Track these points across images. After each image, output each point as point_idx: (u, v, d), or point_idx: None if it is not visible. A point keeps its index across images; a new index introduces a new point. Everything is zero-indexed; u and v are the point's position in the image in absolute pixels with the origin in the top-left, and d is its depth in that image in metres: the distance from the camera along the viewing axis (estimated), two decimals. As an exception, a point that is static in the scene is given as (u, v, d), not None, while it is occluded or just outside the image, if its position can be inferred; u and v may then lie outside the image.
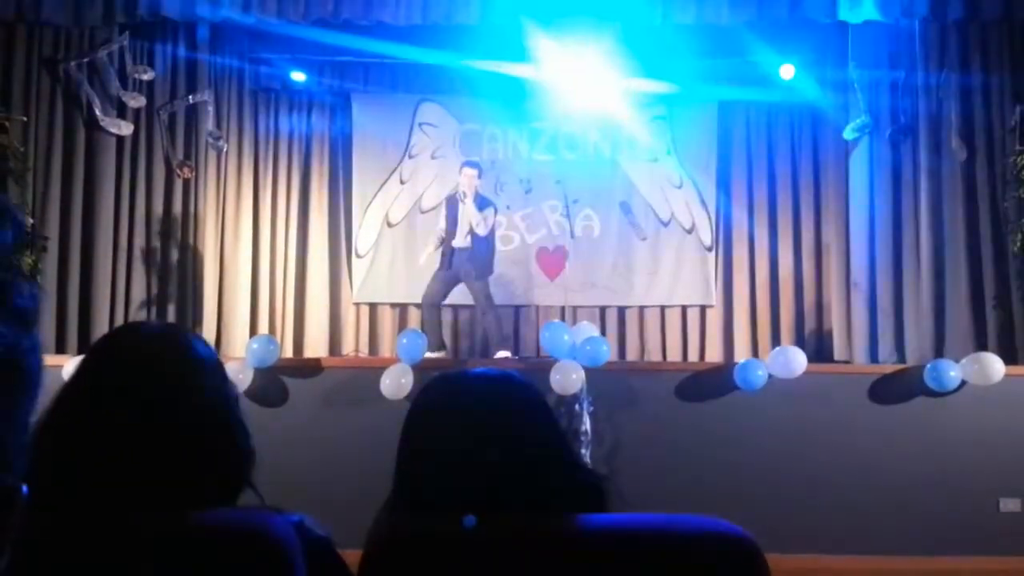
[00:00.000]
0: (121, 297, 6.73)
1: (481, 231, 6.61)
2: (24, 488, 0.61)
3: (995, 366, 5.29)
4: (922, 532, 5.18)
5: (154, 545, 1.11)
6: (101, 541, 1.09)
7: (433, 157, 8.12)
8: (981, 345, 6.13)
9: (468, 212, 6.55)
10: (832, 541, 5.20)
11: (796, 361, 5.43)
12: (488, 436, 1.29)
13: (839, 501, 5.24)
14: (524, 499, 1.25)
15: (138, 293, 6.84)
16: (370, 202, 8.09)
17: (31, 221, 6.21)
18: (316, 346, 7.81)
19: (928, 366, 5.46)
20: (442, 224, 6.74)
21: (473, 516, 1.24)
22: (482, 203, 6.68)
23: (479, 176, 6.75)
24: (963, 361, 5.44)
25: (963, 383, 5.33)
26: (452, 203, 6.74)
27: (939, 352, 6.28)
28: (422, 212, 7.98)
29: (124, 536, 1.10)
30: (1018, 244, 6.08)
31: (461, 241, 6.61)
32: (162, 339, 1.27)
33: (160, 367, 1.20)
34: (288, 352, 7.48)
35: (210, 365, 1.26)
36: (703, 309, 8.04)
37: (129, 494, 1.12)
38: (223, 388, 1.26)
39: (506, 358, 6.46)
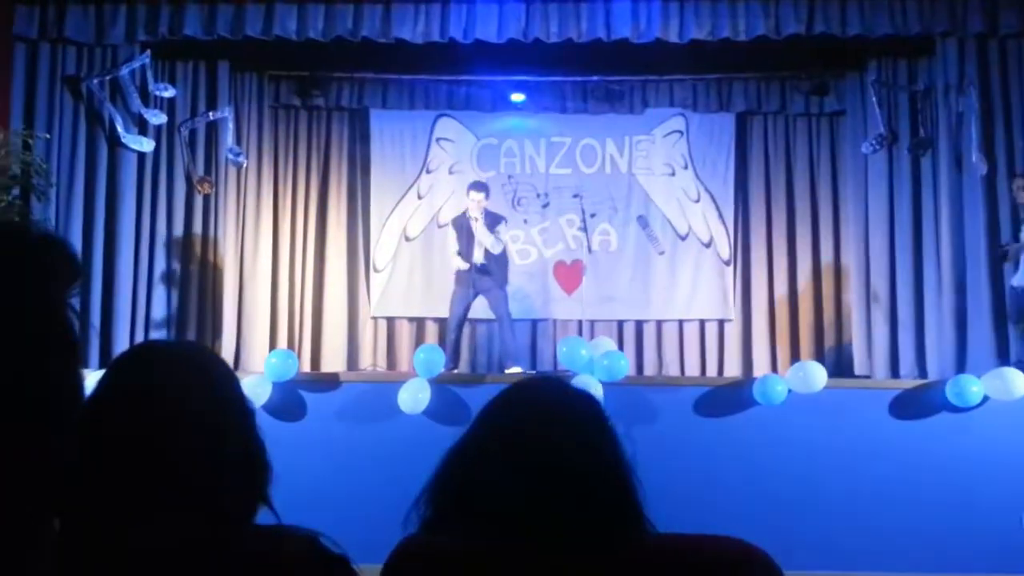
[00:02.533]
0: (142, 311, 6.79)
1: (496, 251, 6.66)
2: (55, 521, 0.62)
3: (1018, 382, 5.24)
4: (944, 549, 5.13)
5: (171, 564, 1.11)
6: (118, 561, 1.10)
7: (451, 172, 8.15)
8: (1004, 360, 6.07)
9: (480, 235, 6.58)
10: (852, 558, 5.16)
11: (816, 376, 5.41)
12: (563, 459, 1.28)
13: (859, 518, 5.20)
14: (574, 527, 1.25)
15: (158, 307, 6.89)
16: (388, 217, 8.13)
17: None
18: (334, 360, 7.84)
19: (950, 381, 5.42)
20: (455, 248, 6.76)
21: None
22: (492, 221, 6.70)
23: (487, 197, 6.77)
24: (985, 376, 5.39)
25: (985, 399, 5.29)
26: (460, 224, 6.76)
27: (961, 367, 6.23)
28: (440, 227, 8.00)
29: (141, 555, 1.11)
30: (1040, 258, 6.03)
31: (477, 258, 6.64)
32: (177, 356, 1.28)
33: (175, 384, 1.21)
34: (306, 366, 7.50)
35: (225, 381, 1.27)
36: (721, 323, 8.01)
37: (146, 513, 1.13)
38: (238, 404, 1.27)
39: (519, 373, 6.46)
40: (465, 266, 6.66)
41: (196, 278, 7.13)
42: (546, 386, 1.42)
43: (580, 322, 7.36)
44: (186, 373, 1.22)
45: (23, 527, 0.59)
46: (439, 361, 5.69)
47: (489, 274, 6.66)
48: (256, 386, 5.31)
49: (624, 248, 8.07)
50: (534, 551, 1.23)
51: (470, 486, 1.29)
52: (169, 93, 6.91)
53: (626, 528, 1.28)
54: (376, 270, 8.10)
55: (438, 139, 8.20)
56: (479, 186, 6.85)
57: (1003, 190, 6.42)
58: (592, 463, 1.30)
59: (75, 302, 0.69)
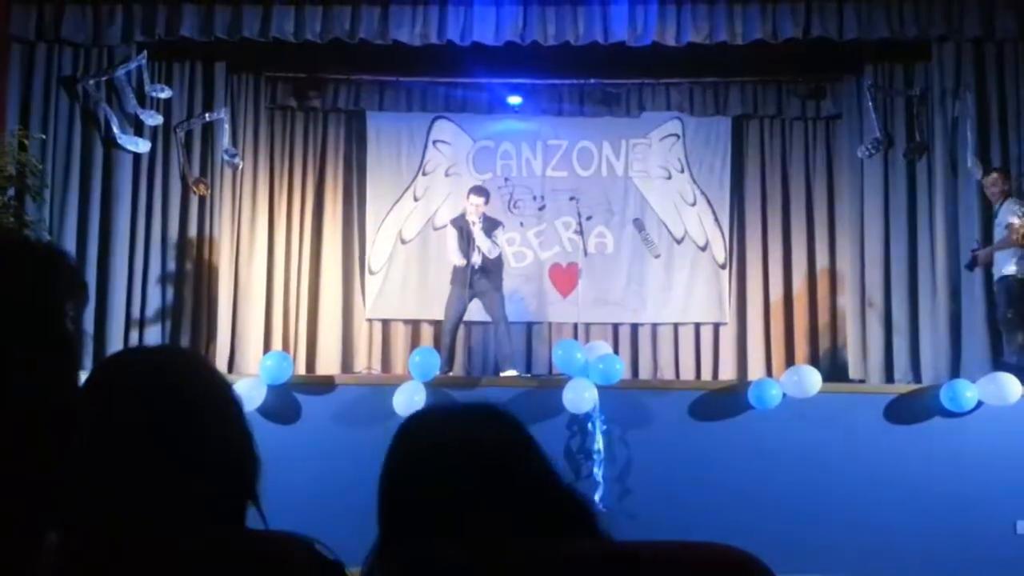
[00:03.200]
0: (136, 313, 6.78)
1: (493, 255, 6.64)
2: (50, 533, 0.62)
3: (1012, 387, 5.25)
4: (937, 554, 5.13)
5: (161, 569, 1.11)
6: (111, 563, 1.10)
7: (447, 174, 8.15)
8: (998, 365, 6.08)
9: (478, 240, 6.57)
10: (846, 563, 5.15)
11: (810, 381, 5.41)
12: (470, 468, 1.28)
13: (853, 522, 5.20)
14: (511, 526, 1.24)
15: (153, 309, 6.88)
16: (384, 219, 8.12)
17: (48, 237, 6.26)
18: (329, 362, 7.82)
19: (944, 386, 5.43)
20: (454, 246, 6.73)
21: None
22: (490, 226, 6.68)
23: (486, 202, 6.75)
24: (980, 381, 5.40)
25: (980, 404, 5.29)
26: (459, 224, 6.73)
27: (955, 372, 6.24)
28: (435, 229, 7.99)
29: (130, 560, 1.10)
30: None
31: (477, 260, 6.61)
32: (161, 360, 1.28)
33: (159, 388, 1.21)
34: (301, 369, 7.48)
35: (211, 384, 1.26)
36: (716, 327, 8.01)
37: (133, 517, 1.13)
38: (220, 401, 1.26)
39: (515, 376, 6.44)
40: (463, 263, 6.64)
41: (191, 280, 7.11)
42: (439, 413, 1.38)
43: (576, 325, 7.36)
44: (168, 376, 1.22)
45: (18, 536, 0.59)
46: (434, 364, 5.68)
47: (486, 277, 6.64)
48: (251, 388, 5.30)
49: (620, 251, 8.08)
50: (491, 558, 1.23)
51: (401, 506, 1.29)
52: (165, 94, 6.90)
53: (573, 532, 1.28)
54: (371, 272, 8.09)
55: (434, 141, 8.20)
56: (480, 191, 6.82)
57: (998, 195, 6.43)
58: (497, 470, 1.29)
59: (83, 331, 0.69)
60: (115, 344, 6.47)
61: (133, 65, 6.73)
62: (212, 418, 1.21)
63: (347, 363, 7.90)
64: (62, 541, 0.59)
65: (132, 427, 1.16)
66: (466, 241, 6.65)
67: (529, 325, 7.96)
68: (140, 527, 1.11)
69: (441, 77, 7.79)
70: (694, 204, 8.11)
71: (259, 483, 1.24)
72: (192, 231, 7.14)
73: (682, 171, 8.13)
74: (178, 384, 1.22)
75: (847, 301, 7.46)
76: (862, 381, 6.98)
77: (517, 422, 1.37)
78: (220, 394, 1.25)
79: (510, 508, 1.24)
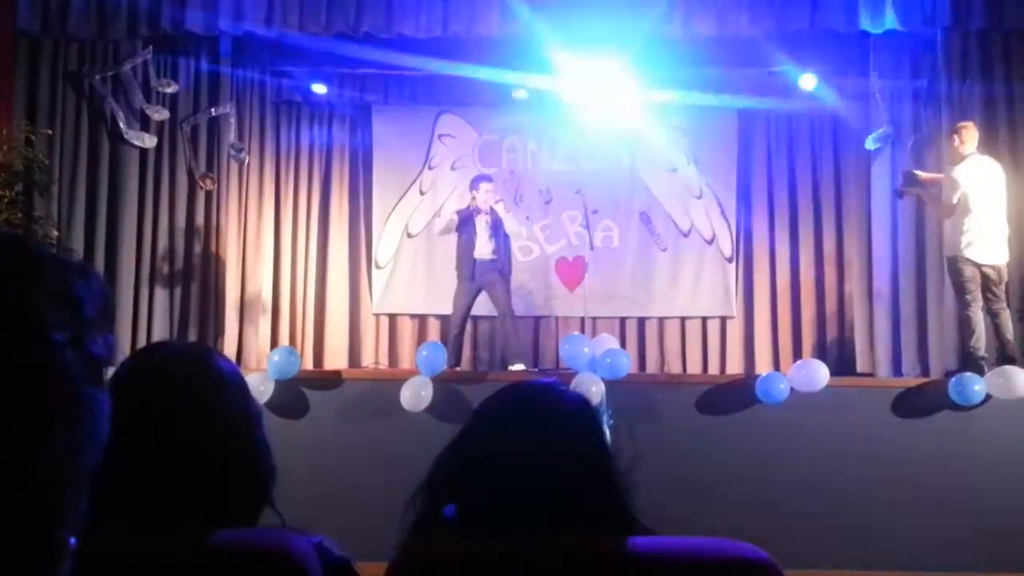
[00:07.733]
0: (144, 308, 6.79)
1: (519, 232, 6.78)
2: (72, 540, 0.61)
3: (1021, 380, 5.23)
4: (946, 548, 5.13)
5: (174, 565, 1.11)
6: (122, 562, 1.10)
7: (453, 168, 8.14)
8: (1004, 359, 6.05)
9: (506, 222, 6.62)
10: (854, 557, 5.15)
11: (818, 374, 5.40)
12: (551, 456, 1.28)
13: (861, 516, 5.19)
14: (570, 523, 1.25)
15: (160, 304, 6.89)
16: (390, 213, 8.12)
17: (56, 233, 6.29)
18: (336, 357, 7.83)
19: (952, 379, 5.41)
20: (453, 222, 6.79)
21: (453, 507, 1.25)
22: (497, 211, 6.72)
23: (494, 186, 6.85)
24: (988, 375, 5.38)
25: (988, 397, 5.28)
26: (466, 217, 6.72)
27: (963, 365, 6.21)
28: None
29: (145, 556, 1.11)
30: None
31: (485, 253, 6.59)
32: (187, 359, 1.28)
33: (185, 387, 1.21)
34: (308, 364, 7.49)
35: (234, 384, 1.27)
36: (723, 320, 7.99)
37: (150, 513, 1.13)
38: (246, 407, 1.27)
39: (522, 370, 6.44)
40: (478, 254, 6.64)
41: (198, 275, 7.12)
42: (540, 389, 1.42)
43: (582, 319, 7.35)
44: (190, 375, 1.22)
45: (40, 542, 0.59)
46: (441, 358, 5.69)
47: (499, 268, 6.64)
48: (258, 384, 5.31)
49: (626, 245, 8.06)
50: (527, 551, 1.23)
51: (464, 484, 1.29)
52: (171, 89, 6.90)
53: (613, 530, 1.28)
54: (378, 267, 8.10)
55: (440, 135, 8.19)
56: (486, 177, 6.89)
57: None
58: (581, 465, 1.30)
59: (112, 336, 0.68)
60: (123, 339, 6.47)
61: (139, 60, 6.74)
62: (229, 421, 1.22)
63: (354, 358, 7.91)
64: (81, 544, 0.59)
65: (152, 424, 1.16)
66: (472, 232, 6.64)
67: (536, 319, 7.96)
68: (150, 525, 1.11)
69: (446, 70, 7.75)
70: (700, 197, 8.08)
71: (274, 491, 1.25)
72: (199, 226, 7.15)
73: (688, 164, 8.11)
74: (202, 384, 1.22)
75: (854, 294, 7.44)
76: (870, 374, 6.95)
77: (593, 416, 1.38)
78: (241, 399, 1.25)
79: (570, 500, 1.25)
